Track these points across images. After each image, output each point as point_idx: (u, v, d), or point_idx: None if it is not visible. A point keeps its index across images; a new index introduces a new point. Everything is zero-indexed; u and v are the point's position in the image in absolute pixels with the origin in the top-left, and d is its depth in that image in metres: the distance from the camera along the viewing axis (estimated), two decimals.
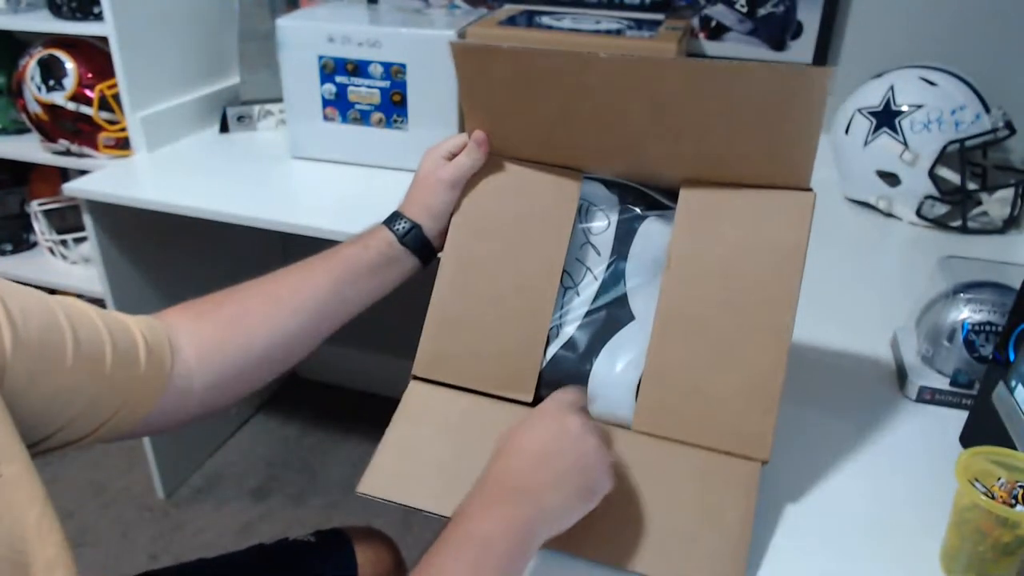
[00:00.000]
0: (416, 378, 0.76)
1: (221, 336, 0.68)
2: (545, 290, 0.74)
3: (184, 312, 0.68)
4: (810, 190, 0.67)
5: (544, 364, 0.73)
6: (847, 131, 1.25)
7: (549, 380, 0.73)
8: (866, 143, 1.22)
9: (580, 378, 0.72)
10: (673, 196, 0.74)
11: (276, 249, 1.90)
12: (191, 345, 0.66)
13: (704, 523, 0.63)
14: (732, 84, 0.64)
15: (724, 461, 0.66)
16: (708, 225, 0.69)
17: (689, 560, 0.61)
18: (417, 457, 0.71)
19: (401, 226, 0.76)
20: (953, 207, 1.21)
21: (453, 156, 0.77)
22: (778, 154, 0.66)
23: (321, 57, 1.35)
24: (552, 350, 0.74)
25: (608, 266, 0.75)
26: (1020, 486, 0.59)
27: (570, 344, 0.74)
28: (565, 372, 0.73)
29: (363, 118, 1.38)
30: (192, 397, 0.66)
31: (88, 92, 1.51)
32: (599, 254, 0.76)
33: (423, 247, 0.77)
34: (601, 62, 0.65)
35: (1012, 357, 0.69)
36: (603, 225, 0.76)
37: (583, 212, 0.77)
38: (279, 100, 1.50)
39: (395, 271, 0.76)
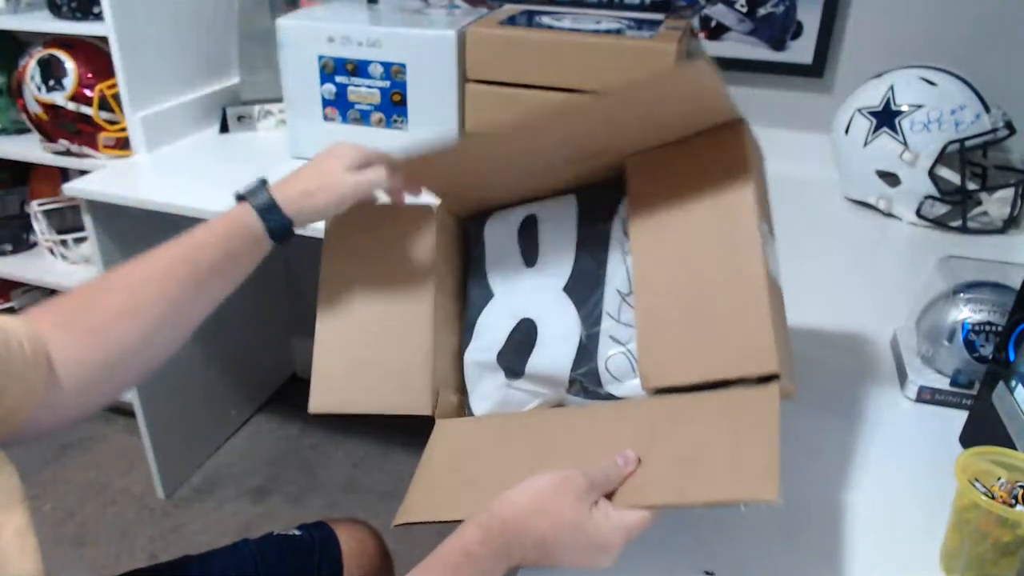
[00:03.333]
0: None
1: (82, 349, 0.63)
2: (420, 306, 0.78)
3: (49, 317, 0.64)
4: (741, 120, 0.67)
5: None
6: (847, 131, 1.25)
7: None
8: (866, 143, 1.22)
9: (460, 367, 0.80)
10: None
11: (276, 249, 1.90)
12: (57, 356, 0.62)
13: (736, 445, 0.60)
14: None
15: (741, 393, 0.64)
16: (661, 190, 0.71)
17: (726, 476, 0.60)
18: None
19: (276, 223, 0.72)
20: (953, 207, 1.21)
21: (364, 163, 0.75)
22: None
23: (321, 57, 1.35)
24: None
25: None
26: (1020, 486, 0.59)
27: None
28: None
29: (363, 118, 1.38)
30: (63, 405, 0.62)
31: (88, 92, 1.51)
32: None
33: (286, 238, 0.74)
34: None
35: (1012, 357, 0.69)
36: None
37: None
38: (279, 100, 1.49)
39: (258, 259, 0.74)
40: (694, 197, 0.69)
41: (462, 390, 0.82)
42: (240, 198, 0.73)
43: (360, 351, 0.78)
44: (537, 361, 0.76)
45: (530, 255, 0.80)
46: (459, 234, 0.86)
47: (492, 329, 0.79)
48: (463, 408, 0.82)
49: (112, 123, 1.52)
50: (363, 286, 0.79)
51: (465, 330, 0.82)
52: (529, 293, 0.79)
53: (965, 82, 1.18)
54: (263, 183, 0.73)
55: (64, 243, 1.78)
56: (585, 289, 0.76)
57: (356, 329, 0.78)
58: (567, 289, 0.77)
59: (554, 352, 0.76)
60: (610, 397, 0.74)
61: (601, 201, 0.78)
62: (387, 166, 0.76)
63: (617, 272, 0.75)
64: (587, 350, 0.75)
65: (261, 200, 0.72)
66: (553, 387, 0.76)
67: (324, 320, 0.78)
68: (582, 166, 0.77)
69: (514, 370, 0.77)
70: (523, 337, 0.78)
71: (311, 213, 0.73)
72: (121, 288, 0.68)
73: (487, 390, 0.79)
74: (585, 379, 0.75)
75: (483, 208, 0.84)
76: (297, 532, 0.95)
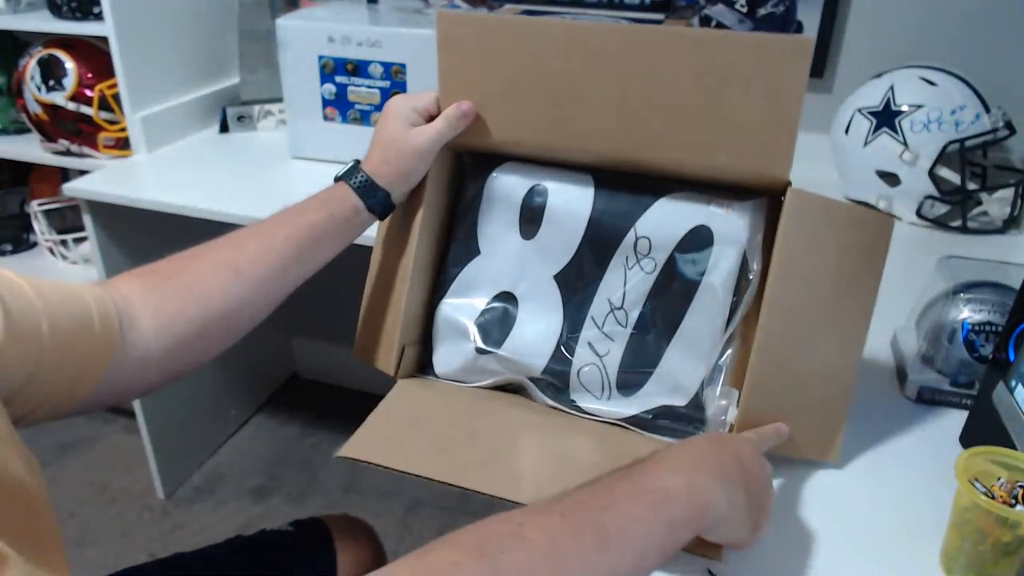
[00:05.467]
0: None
1: (177, 307, 0.65)
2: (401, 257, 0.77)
3: (136, 281, 0.65)
4: (788, 183, 0.65)
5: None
6: (847, 131, 1.25)
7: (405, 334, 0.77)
8: (866, 143, 1.22)
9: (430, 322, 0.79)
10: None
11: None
12: (146, 316, 0.63)
13: None
14: (702, 55, 0.62)
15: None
16: (807, 235, 0.66)
17: None
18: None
19: (375, 198, 0.74)
20: (953, 207, 1.21)
21: (424, 117, 0.75)
22: (754, 136, 0.64)
23: (321, 57, 1.35)
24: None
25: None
26: (1020, 486, 0.59)
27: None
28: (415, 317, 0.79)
29: (363, 118, 1.38)
30: (150, 367, 0.64)
31: (88, 92, 1.51)
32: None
33: (387, 211, 0.76)
34: (559, 29, 0.65)
35: (1012, 357, 0.69)
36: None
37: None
38: (279, 100, 1.50)
39: (356, 233, 0.76)
40: (836, 267, 0.67)
41: (424, 343, 0.80)
42: (337, 180, 0.75)
43: (371, 308, 0.79)
44: (513, 345, 0.75)
45: (530, 227, 0.76)
46: (452, 170, 0.80)
47: (472, 290, 0.77)
48: (422, 362, 0.80)
49: (112, 123, 1.52)
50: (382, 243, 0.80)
51: (443, 280, 0.79)
52: (517, 266, 0.76)
53: (965, 82, 1.18)
54: (357, 163, 0.75)
55: (64, 243, 1.78)
56: (577, 285, 0.75)
57: (370, 287, 0.80)
58: (559, 278, 0.75)
59: (533, 341, 0.75)
60: (572, 404, 0.75)
61: (621, 202, 0.73)
62: (440, 103, 0.76)
63: (614, 281, 0.73)
64: (564, 352, 0.74)
65: (357, 180, 0.74)
66: (521, 373, 0.76)
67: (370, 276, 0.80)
68: (614, 146, 0.70)
69: (488, 344, 0.76)
70: (502, 312, 0.76)
71: (401, 181, 0.75)
72: (223, 244, 0.69)
73: (453, 354, 0.77)
74: (554, 378, 0.75)
75: (490, 148, 0.76)
76: (290, 528, 0.94)
